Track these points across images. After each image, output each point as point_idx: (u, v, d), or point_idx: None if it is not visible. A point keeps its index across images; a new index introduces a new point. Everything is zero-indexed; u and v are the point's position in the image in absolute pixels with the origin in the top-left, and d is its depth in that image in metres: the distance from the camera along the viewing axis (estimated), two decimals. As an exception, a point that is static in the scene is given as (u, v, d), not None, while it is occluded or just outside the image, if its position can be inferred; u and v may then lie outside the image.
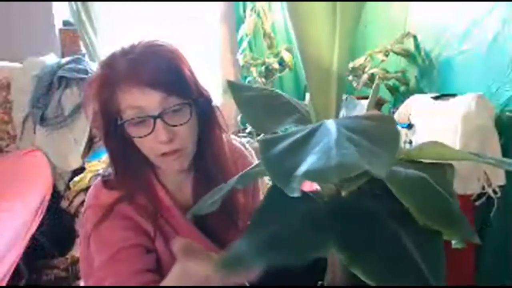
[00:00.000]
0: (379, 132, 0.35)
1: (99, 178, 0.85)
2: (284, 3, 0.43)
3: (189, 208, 0.79)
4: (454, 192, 0.43)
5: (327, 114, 0.46)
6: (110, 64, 0.74)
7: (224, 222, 0.81)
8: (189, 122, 0.74)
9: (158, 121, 0.71)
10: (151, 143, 0.74)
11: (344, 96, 0.55)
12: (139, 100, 0.71)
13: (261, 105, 0.52)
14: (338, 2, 0.40)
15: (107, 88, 0.73)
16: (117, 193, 0.79)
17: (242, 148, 0.96)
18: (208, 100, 0.81)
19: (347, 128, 0.35)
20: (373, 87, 0.59)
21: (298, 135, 0.36)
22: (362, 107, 0.54)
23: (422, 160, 0.46)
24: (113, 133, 0.76)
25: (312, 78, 0.46)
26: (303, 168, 0.30)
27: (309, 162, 0.31)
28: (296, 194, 0.29)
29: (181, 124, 0.73)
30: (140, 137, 0.73)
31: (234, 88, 0.53)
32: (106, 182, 0.82)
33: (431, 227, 0.38)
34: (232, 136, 1.19)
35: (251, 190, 0.92)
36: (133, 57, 0.73)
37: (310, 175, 0.29)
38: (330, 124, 0.36)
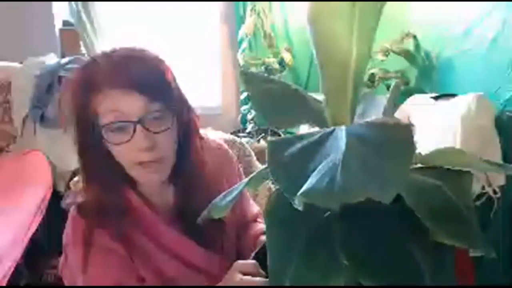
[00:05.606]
0: (392, 145, 0.33)
1: (73, 208, 0.81)
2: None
3: (172, 217, 0.80)
4: (471, 203, 0.42)
5: (342, 115, 0.45)
6: (91, 65, 0.71)
7: (211, 225, 0.80)
8: (170, 129, 0.72)
9: (138, 126, 0.68)
10: (129, 150, 0.70)
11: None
12: (121, 103, 0.68)
13: (276, 99, 0.50)
14: (357, 2, 0.40)
15: (86, 89, 0.69)
16: (91, 220, 0.76)
17: (225, 148, 0.93)
18: (190, 109, 0.79)
19: (358, 139, 0.33)
20: (391, 86, 0.57)
21: (307, 141, 0.35)
22: (381, 103, 0.52)
23: (439, 166, 0.44)
24: (90, 141, 0.72)
25: (328, 77, 0.44)
26: (305, 187, 0.30)
27: (313, 179, 0.30)
28: (300, 208, 0.29)
29: (162, 131, 0.70)
30: (118, 144, 0.70)
31: (247, 79, 0.51)
32: (81, 210, 0.79)
33: (442, 240, 0.36)
34: (231, 136, 1.19)
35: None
36: (118, 60, 0.70)
37: (311, 196, 0.29)
38: (341, 133, 0.35)
